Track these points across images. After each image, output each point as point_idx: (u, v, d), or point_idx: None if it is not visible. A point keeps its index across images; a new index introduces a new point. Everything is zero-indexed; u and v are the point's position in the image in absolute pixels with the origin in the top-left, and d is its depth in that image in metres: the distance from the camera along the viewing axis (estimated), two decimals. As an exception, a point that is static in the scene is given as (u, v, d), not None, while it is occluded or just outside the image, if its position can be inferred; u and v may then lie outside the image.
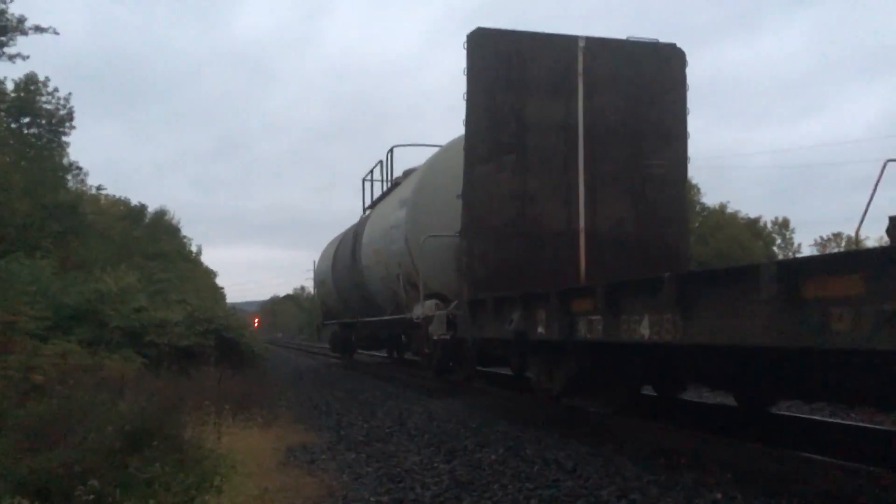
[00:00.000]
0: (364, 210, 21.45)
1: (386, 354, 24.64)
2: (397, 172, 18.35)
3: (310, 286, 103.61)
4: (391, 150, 18.68)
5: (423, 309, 12.72)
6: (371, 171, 20.65)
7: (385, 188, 19.16)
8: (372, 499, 6.06)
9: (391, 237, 14.96)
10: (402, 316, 14.63)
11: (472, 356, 12.15)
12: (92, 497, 4.77)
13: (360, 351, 26.16)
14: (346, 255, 20.99)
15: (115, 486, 5.28)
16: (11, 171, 20.16)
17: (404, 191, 15.27)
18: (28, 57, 23.21)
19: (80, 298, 14.57)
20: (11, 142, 24.24)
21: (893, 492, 4.69)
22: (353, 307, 21.07)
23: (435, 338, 12.05)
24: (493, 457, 7.17)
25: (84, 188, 31.97)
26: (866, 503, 4.66)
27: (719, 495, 5.07)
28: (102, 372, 10.98)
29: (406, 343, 20.72)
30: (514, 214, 10.16)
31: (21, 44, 22.65)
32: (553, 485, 5.92)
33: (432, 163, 14.31)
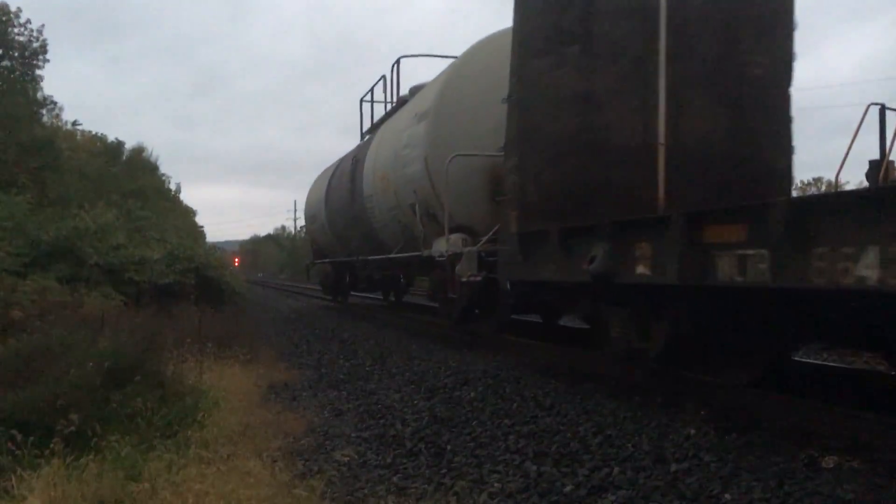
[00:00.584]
0: (362, 136, 19.02)
1: (381, 298, 22.38)
2: (403, 90, 15.93)
3: (290, 226, 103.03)
4: (397, 62, 16.28)
5: (447, 245, 10.52)
6: (371, 90, 18.37)
7: (388, 108, 16.79)
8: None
9: (404, 159, 12.37)
10: (415, 254, 12.24)
11: (507, 303, 10.03)
12: (73, 430, 4.80)
13: (353, 293, 23.36)
14: (342, 186, 18.26)
15: (97, 421, 5.32)
16: (-17, 104, 19.69)
17: (421, 102, 12.65)
18: (-2, -14, 22.42)
19: (58, 235, 14.42)
20: (-17, 74, 23.62)
21: (854, 426, 4.83)
22: (350, 244, 18.37)
23: (463, 280, 9.93)
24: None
25: (59, 123, 31.38)
26: (832, 438, 4.79)
27: (693, 431, 5.19)
28: (82, 309, 10.95)
29: (406, 285, 19.83)
30: (577, 123, 7.87)
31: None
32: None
33: (459, 66, 11.78)
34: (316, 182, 24.06)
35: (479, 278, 9.85)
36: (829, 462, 4.35)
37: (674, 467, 4.51)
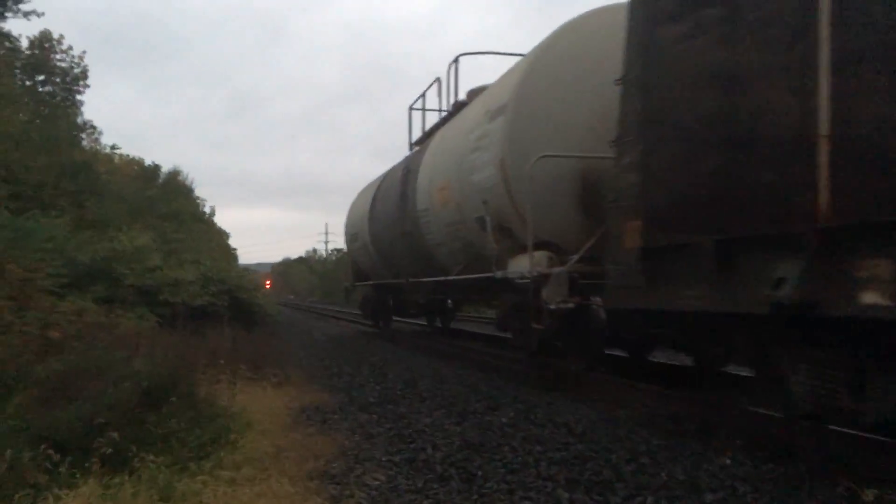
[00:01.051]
0: (411, 146, 16.99)
1: (426, 323, 21.07)
2: (461, 94, 13.93)
3: (321, 249, 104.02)
4: (456, 61, 14.21)
5: (529, 264, 8.70)
6: (423, 96, 16.23)
7: (443, 115, 14.82)
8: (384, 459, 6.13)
9: (472, 164, 10.44)
10: (484, 275, 10.35)
11: (600, 335, 8.68)
12: (110, 451, 4.86)
13: (395, 319, 21.62)
14: (389, 201, 16.25)
15: (132, 442, 5.38)
16: (27, 129, 20.20)
17: (494, 97, 10.60)
18: (43, 14, 23.19)
19: (96, 257, 14.69)
20: (26, 99, 24.25)
21: (893, 457, 4.73)
22: (397, 266, 16.30)
23: (552, 307, 8.17)
24: None
25: (98, 147, 32.07)
26: (871, 470, 4.69)
27: (728, 460, 5.12)
28: (118, 330, 11.11)
29: (454, 310, 19.19)
30: (717, 108, 5.93)
31: (36, 0, 22.52)
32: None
33: (542, 52, 9.71)
34: (358, 199, 21.99)
35: (570, 305, 8.25)
36: (869, 496, 4.27)
37: (709, 497, 4.45)
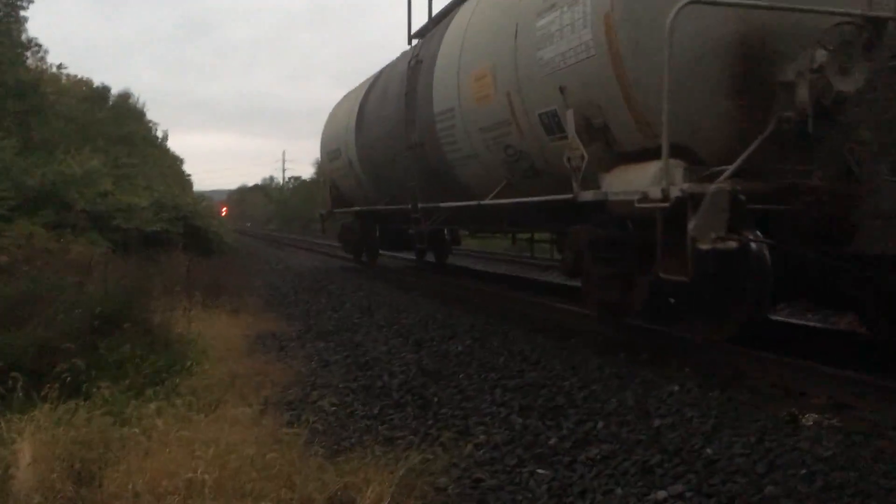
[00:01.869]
0: (410, 39, 13.50)
1: (414, 258, 18.31)
2: None
3: (279, 176, 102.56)
4: None
5: (661, 179, 5.50)
6: None
7: None
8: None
9: (538, 35, 7.24)
10: (558, 197, 7.29)
11: (763, 290, 5.89)
12: (67, 376, 4.82)
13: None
14: (386, 107, 13.01)
15: (86, 367, 5.33)
16: (-33, 45, 19.33)
17: None
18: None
19: (44, 180, 14.29)
20: (-35, 15, 23.13)
21: (835, 385, 4.92)
22: (398, 187, 12.77)
23: (704, 247, 5.21)
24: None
25: (44, 67, 30.84)
26: (813, 396, 4.88)
27: (676, 387, 5.27)
28: (68, 255, 10.90)
29: (452, 243, 16.99)
30: None
31: None
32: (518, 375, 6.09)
33: None
34: (338, 108, 18.09)
35: (732, 245, 5.24)
36: (808, 420, 4.44)
37: (657, 422, 4.59)
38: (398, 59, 13.77)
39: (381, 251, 17.93)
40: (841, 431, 4.19)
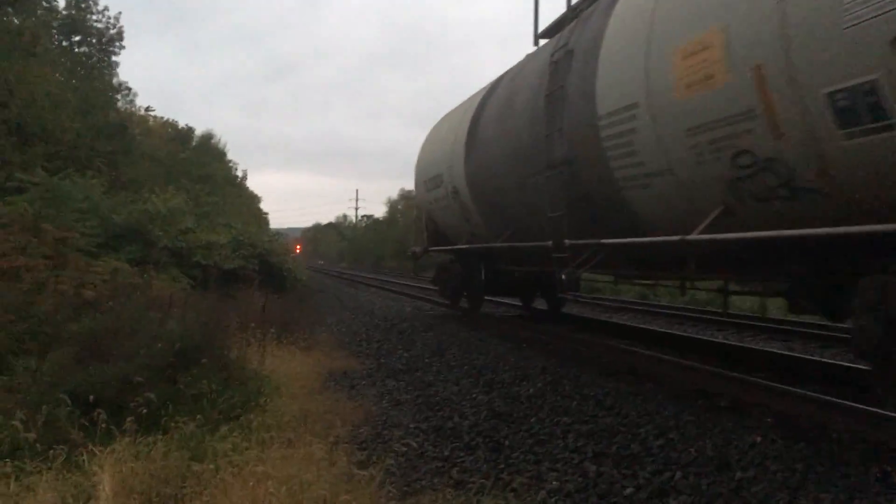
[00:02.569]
0: (536, 40, 11.35)
1: (521, 304, 15.54)
2: None
3: (352, 215, 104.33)
4: None
5: None
6: None
7: None
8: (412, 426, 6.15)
9: None
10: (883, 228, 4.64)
11: None
12: (144, 410, 4.93)
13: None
14: (516, 116, 10.19)
15: (165, 401, 5.46)
16: (63, 89, 20.37)
17: None
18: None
19: (130, 218, 14.85)
20: (63, 59, 24.43)
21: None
22: (524, 218, 10.34)
23: None
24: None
25: (133, 109, 32.29)
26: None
27: (759, 438, 5.06)
28: (150, 290, 11.24)
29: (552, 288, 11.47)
30: None
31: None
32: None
33: None
34: (438, 128, 15.31)
35: None
36: (902, 477, 4.20)
37: (738, 475, 4.41)
38: (526, 60, 11.35)
39: (485, 297, 14.98)
40: (938, 491, 3.95)
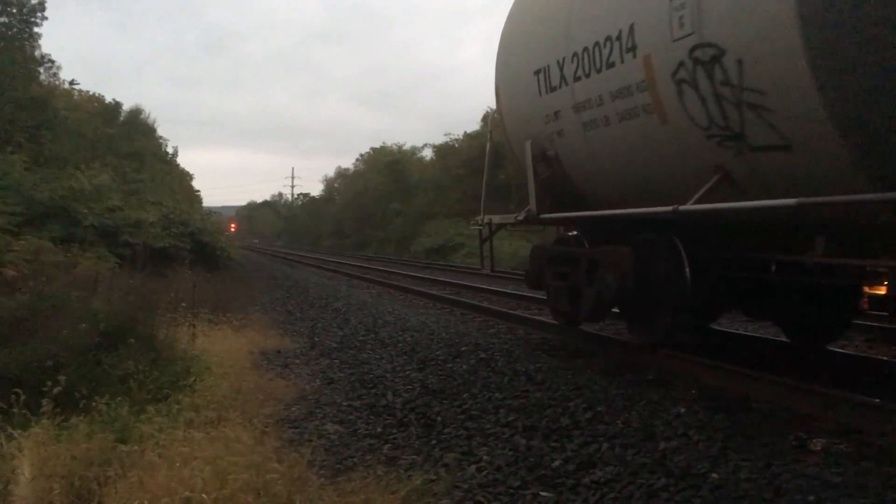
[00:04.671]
0: None
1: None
2: None
3: (288, 193, 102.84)
4: None
5: None
6: None
7: None
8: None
9: None
10: None
11: None
12: (61, 390, 4.78)
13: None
14: None
15: (89, 382, 5.31)
16: (-20, 61, 19.51)
17: None
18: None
19: (53, 195, 14.37)
20: (-21, 30, 23.33)
21: (843, 409, 4.84)
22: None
23: None
24: (464, 367, 7.15)
25: (57, 82, 31.09)
26: (821, 421, 4.81)
27: (683, 409, 5.21)
28: (75, 270, 10.92)
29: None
30: None
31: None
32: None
33: None
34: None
35: None
36: (817, 444, 4.38)
37: (662, 445, 4.52)
38: None
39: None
40: (850, 457, 4.13)
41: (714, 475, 3.99)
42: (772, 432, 4.67)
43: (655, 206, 6.16)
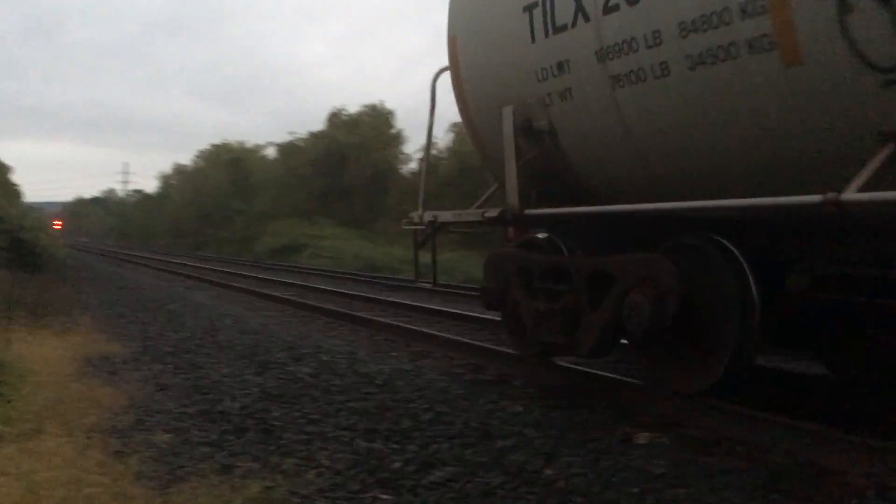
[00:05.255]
0: None
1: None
2: None
3: (120, 189, 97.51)
4: None
5: None
6: None
7: None
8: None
9: None
10: None
11: None
12: None
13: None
14: None
15: None
16: None
17: None
18: None
19: None
20: None
21: (666, 404, 5.17)
22: None
23: None
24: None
25: None
26: (646, 416, 5.10)
27: (520, 408, 5.37)
28: None
29: None
30: None
31: None
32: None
33: None
34: None
35: None
36: (641, 438, 4.63)
37: (499, 443, 4.63)
38: None
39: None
40: (670, 449, 4.40)
41: (548, 471, 4.12)
42: (602, 428, 4.90)
43: (722, 198, 4.42)
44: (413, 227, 7.79)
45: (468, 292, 12.86)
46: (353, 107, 43.75)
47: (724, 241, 4.92)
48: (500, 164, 6.22)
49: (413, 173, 40.61)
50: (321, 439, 5.04)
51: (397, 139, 41.91)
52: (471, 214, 6.82)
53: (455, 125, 40.36)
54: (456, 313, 10.95)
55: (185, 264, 24.42)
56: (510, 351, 7.09)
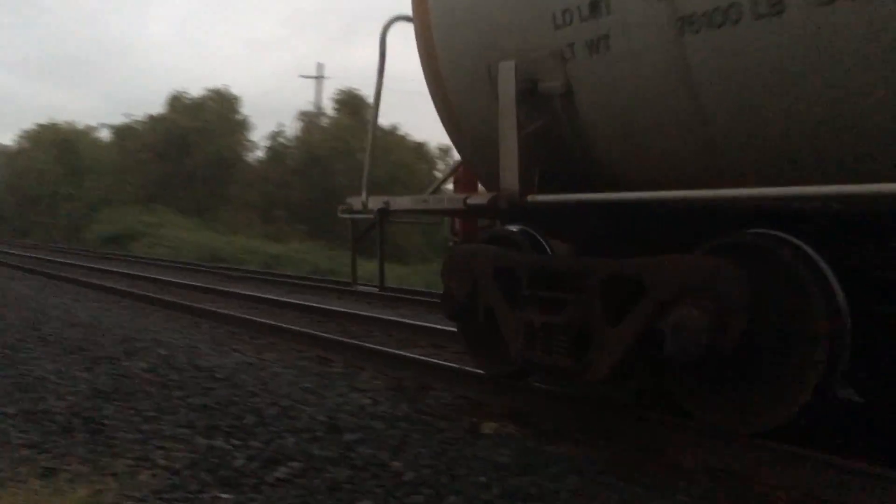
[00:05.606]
0: None
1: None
2: None
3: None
4: None
5: None
6: None
7: None
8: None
9: None
10: None
11: None
12: None
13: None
14: None
15: None
16: None
17: None
18: None
19: None
20: None
21: (513, 396, 5.29)
22: None
23: None
24: (141, 365, 6.68)
25: None
26: (494, 406, 5.20)
27: (368, 401, 5.33)
28: None
29: None
30: None
31: None
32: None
33: None
34: None
35: None
36: (487, 428, 4.71)
37: (347, 437, 4.57)
38: None
39: None
40: (516, 438, 4.50)
41: (396, 463, 4.11)
42: (449, 419, 4.95)
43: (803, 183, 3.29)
44: (351, 217, 6.36)
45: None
46: (196, 90, 42.09)
47: (802, 244, 3.72)
48: (480, 137, 5.00)
49: (259, 161, 39.59)
50: (157, 438, 4.79)
51: (243, 125, 40.74)
52: (443, 200, 5.48)
53: (304, 114, 39.66)
54: (302, 305, 10.76)
55: (6, 252, 22.50)
56: (359, 343, 7.03)
